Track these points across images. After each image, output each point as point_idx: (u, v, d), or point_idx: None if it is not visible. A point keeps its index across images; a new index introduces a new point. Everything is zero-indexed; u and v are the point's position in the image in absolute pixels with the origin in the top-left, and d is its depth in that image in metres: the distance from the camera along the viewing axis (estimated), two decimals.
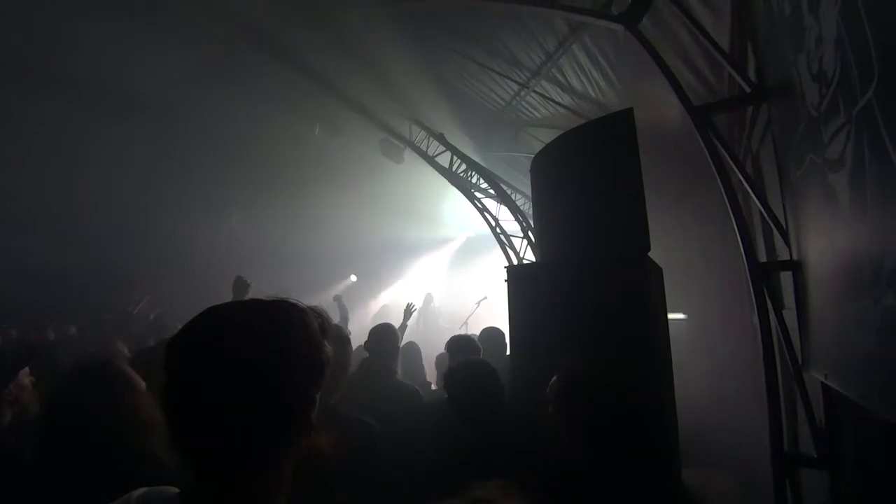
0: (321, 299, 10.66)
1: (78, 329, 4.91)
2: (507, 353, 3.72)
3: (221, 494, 0.70)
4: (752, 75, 2.26)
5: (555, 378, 1.75)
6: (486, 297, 8.45)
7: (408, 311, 5.37)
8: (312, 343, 0.77)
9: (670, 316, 2.37)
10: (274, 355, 0.72)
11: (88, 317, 5.10)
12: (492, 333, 3.94)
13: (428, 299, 11.57)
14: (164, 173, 6.79)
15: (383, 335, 3.05)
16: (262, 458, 0.72)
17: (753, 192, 2.17)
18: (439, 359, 4.32)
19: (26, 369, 2.08)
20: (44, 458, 1.37)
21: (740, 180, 2.20)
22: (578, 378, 1.71)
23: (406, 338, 4.86)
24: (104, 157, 6.12)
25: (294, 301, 0.81)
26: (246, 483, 0.70)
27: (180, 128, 6.30)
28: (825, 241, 1.36)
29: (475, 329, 5.55)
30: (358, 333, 3.92)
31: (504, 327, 4.19)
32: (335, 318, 5.07)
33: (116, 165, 6.30)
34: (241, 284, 3.55)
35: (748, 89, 2.18)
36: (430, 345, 5.41)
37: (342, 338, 2.10)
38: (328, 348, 0.81)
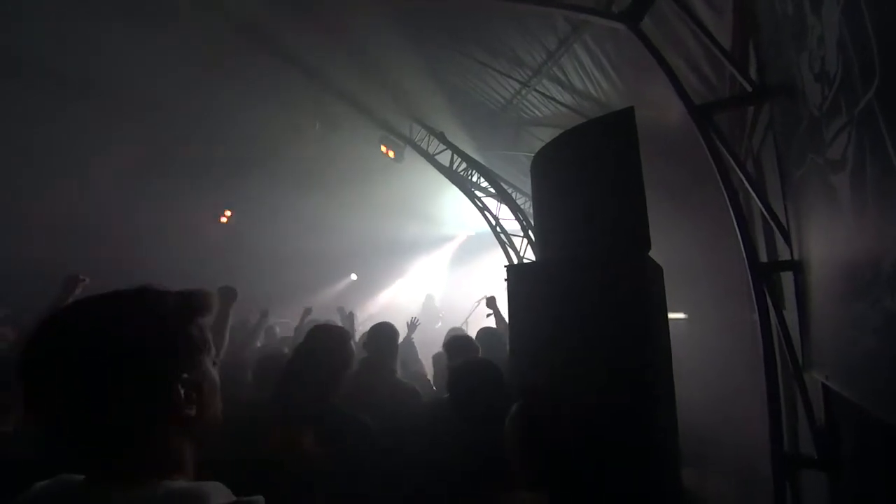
0: (322, 297, 10.69)
1: None
2: (505, 352, 3.72)
3: (105, 478, 0.74)
4: (753, 75, 2.25)
5: (515, 406, 1.57)
6: (485, 297, 8.43)
7: (412, 326, 5.38)
8: (162, 326, 0.80)
9: (670, 315, 2.37)
10: (113, 342, 0.76)
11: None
12: (489, 333, 3.94)
13: (429, 300, 11.50)
14: (162, 171, 6.78)
15: (382, 334, 3.04)
16: (128, 442, 0.76)
17: (754, 191, 2.16)
18: (436, 357, 4.33)
19: None
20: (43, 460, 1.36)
21: (741, 180, 2.19)
22: (543, 404, 1.54)
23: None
24: (102, 156, 6.11)
25: (149, 286, 0.85)
26: (126, 464, 0.75)
27: (179, 125, 6.29)
28: (826, 241, 1.36)
29: (475, 329, 5.57)
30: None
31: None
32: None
33: (114, 164, 6.29)
34: (227, 292, 3.51)
35: (749, 89, 2.18)
36: (425, 344, 5.43)
37: (342, 336, 2.10)
38: (197, 328, 0.85)
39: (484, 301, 5.03)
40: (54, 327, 0.78)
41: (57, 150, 5.76)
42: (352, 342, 2.18)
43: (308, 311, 5.66)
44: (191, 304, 0.86)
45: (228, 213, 8.82)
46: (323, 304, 9.86)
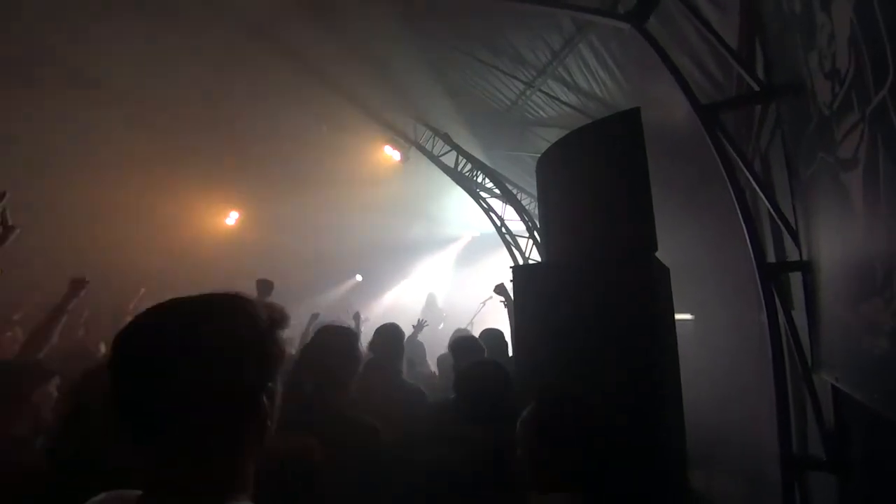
0: (327, 299, 10.71)
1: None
2: (508, 353, 3.72)
3: (176, 491, 0.71)
4: (760, 73, 2.23)
5: (527, 409, 1.52)
6: (491, 297, 8.41)
7: (419, 326, 5.37)
8: (256, 333, 0.79)
9: (677, 316, 2.36)
10: (214, 346, 0.73)
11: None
12: (492, 334, 3.94)
13: (431, 299, 11.31)
14: (167, 171, 6.81)
15: (388, 335, 3.04)
16: (210, 451, 0.73)
17: (762, 191, 2.15)
18: (441, 359, 4.31)
19: (57, 378, 1.99)
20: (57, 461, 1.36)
21: (749, 179, 2.18)
22: (562, 406, 1.48)
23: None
24: (109, 156, 6.13)
25: (242, 294, 0.84)
26: (199, 477, 0.71)
27: (184, 126, 6.31)
28: (836, 241, 1.35)
29: (480, 329, 5.56)
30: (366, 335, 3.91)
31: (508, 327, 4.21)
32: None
33: (120, 164, 6.31)
34: (265, 285, 3.52)
35: (757, 88, 2.16)
36: (429, 344, 5.42)
37: (350, 337, 2.09)
38: (280, 340, 0.83)
39: (490, 301, 5.02)
40: (153, 327, 0.75)
41: (64, 150, 5.78)
42: (360, 344, 2.17)
43: (315, 316, 5.52)
44: (275, 315, 0.85)
45: (234, 214, 8.86)
46: (328, 306, 9.88)
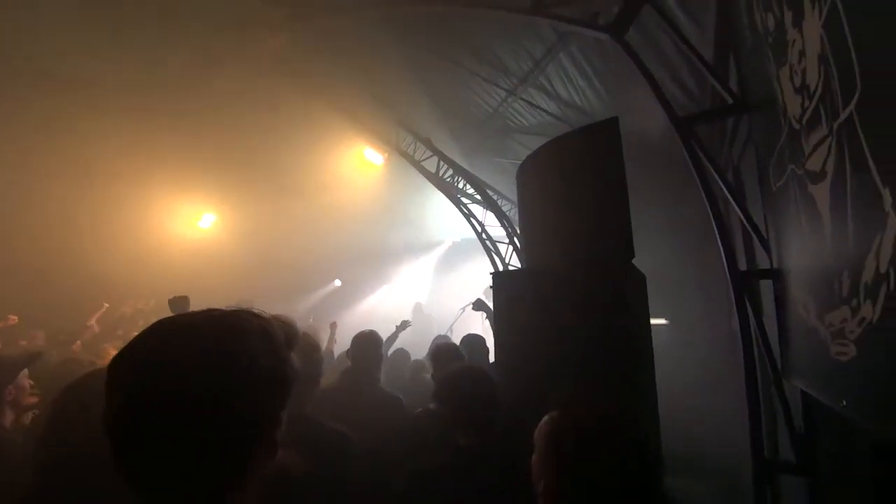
0: (305, 304, 10.55)
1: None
2: (489, 358, 3.71)
3: None
4: (734, 87, 2.30)
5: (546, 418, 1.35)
6: (471, 303, 8.39)
7: (402, 325, 5.33)
8: (275, 356, 0.72)
9: (653, 321, 2.39)
10: (231, 369, 0.66)
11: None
12: (472, 339, 3.93)
13: (417, 309, 11.05)
14: (144, 172, 6.63)
15: (366, 343, 3.00)
16: (219, 480, 0.67)
17: (734, 200, 2.21)
18: (413, 366, 4.28)
19: (25, 371, 2.13)
20: (48, 467, 1.31)
21: (722, 189, 2.23)
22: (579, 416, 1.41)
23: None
24: (80, 156, 5.94)
25: (256, 311, 0.76)
26: None
27: (160, 126, 6.16)
28: (805, 250, 1.38)
29: (460, 335, 5.54)
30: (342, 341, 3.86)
31: (488, 332, 4.21)
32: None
33: (92, 165, 6.11)
34: (178, 301, 3.50)
35: (730, 100, 2.22)
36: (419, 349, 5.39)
37: (311, 346, 2.06)
38: (294, 361, 0.76)
39: (470, 307, 5.00)
40: (159, 352, 0.66)
41: (36, 150, 5.58)
42: (321, 352, 2.14)
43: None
44: (290, 334, 0.78)
45: (209, 216, 8.66)
46: (305, 312, 9.74)
